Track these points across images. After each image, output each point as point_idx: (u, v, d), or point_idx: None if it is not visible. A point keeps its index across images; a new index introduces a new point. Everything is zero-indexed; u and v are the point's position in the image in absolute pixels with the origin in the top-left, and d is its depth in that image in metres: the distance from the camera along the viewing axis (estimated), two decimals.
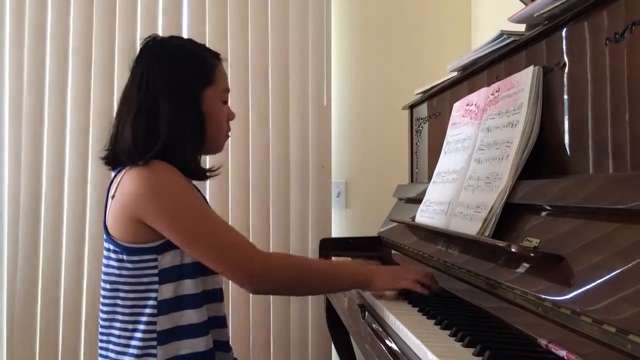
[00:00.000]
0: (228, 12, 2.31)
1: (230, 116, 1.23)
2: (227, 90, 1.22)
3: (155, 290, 1.08)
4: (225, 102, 1.21)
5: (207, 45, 1.26)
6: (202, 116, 1.14)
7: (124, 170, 1.10)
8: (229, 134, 1.25)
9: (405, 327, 0.94)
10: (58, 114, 2.24)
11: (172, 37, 1.24)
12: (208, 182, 2.22)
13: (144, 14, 2.28)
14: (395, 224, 1.79)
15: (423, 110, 1.90)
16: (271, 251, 1.35)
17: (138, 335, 1.08)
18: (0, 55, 2.22)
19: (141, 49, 1.16)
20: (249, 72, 2.32)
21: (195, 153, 1.16)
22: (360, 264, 1.34)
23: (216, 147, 1.22)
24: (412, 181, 2.00)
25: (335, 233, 2.41)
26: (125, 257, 1.09)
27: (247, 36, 2.32)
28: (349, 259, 1.79)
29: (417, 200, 1.60)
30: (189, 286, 1.10)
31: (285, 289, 1.30)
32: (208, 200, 1.31)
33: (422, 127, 1.91)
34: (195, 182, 1.25)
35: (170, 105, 1.11)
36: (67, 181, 2.24)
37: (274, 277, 1.11)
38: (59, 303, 2.22)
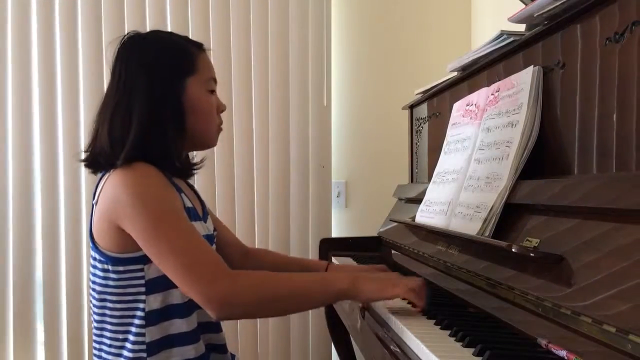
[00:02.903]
0: (230, 13, 2.31)
1: (220, 107, 1.18)
2: (214, 80, 1.16)
3: (143, 301, 1.04)
4: (213, 92, 1.15)
5: (208, 46, 1.23)
6: (182, 108, 1.09)
7: (107, 175, 1.06)
8: (222, 126, 1.20)
9: (405, 327, 0.94)
10: (48, 116, 2.20)
11: (150, 32, 1.20)
12: (206, 181, 2.23)
13: (138, 15, 2.28)
14: (395, 224, 1.79)
15: (423, 110, 1.90)
16: (245, 270, 1.24)
17: (128, 346, 1.05)
18: None
19: (119, 47, 1.12)
20: (249, 73, 2.31)
21: (179, 149, 1.11)
22: (345, 273, 1.15)
23: (208, 140, 1.17)
24: (412, 181, 2.00)
25: (335, 233, 2.41)
26: (110, 268, 1.05)
27: (247, 36, 2.31)
28: (350, 259, 1.79)
29: (417, 200, 1.60)
30: (177, 295, 1.05)
31: (254, 312, 1.17)
32: (207, 200, 1.29)
33: (422, 127, 1.91)
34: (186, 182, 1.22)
35: (147, 97, 1.06)
36: (62, 185, 2.22)
37: (241, 301, 1.00)
38: (61, 304, 2.23)
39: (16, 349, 2.21)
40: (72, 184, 2.22)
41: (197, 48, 1.15)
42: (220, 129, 1.19)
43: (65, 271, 2.22)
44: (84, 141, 2.19)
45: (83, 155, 1.13)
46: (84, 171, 2.21)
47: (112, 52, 1.12)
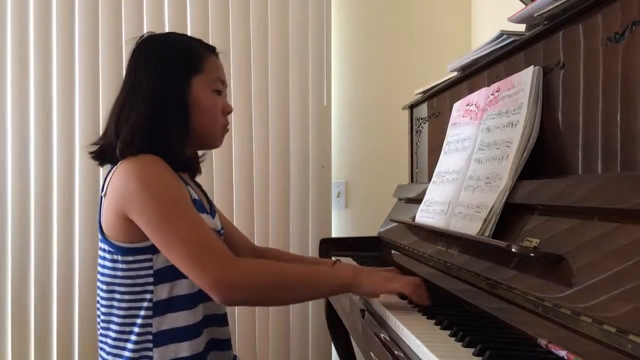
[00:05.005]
0: (229, 12, 2.31)
1: (227, 109, 1.19)
2: (222, 82, 1.18)
3: (151, 292, 1.06)
4: (220, 93, 1.17)
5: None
6: (186, 105, 1.12)
7: (115, 168, 1.08)
8: (228, 127, 1.21)
9: (405, 327, 0.94)
10: (43, 113, 2.20)
11: (163, 33, 1.23)
12: (206, 181, 2.23)
13: (146, 13, 2.29)
14: (395, 224, 1.79)
15: (423, 110, 1.90)
16: (249, 258, 1.28)
17: (133, 337, 1.06)
18: None
19: (134, 47, 1.16)
20: (249, 73, 2.32)
21: (182, 144, 1.12)
22: (349, 266, 1.25)
23: (212, 140, 1.19)
24: (412, 181, 2.00)
25: (335, 233, 2.41)
26: (119, 258, 1.07)
27: (246, 36, 2.32)
28: (350, 259, 1.79)
29: (417, 200, 1.60)
30: (184, 286, 1.07)
31: (260, 298, 1.17)
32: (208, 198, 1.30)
33: (422, 127, 1.91)
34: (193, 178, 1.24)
35: (151, 92, 1.09)
36: (55, 180, 2.21)
37: (247, 285, 1.03)
38: (52, 303, 2.22)
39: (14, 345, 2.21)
40: (71, 180, 2.22)
41: (208, 50, 1.18)
42: (225, 130, 1.21)
43: (57, 269, 2.22)
44: (79, 136, 2.21)
45: (92, 148, 1.15)
46: (79, 167, 2.21)
47: (129, 52, 1.16)
